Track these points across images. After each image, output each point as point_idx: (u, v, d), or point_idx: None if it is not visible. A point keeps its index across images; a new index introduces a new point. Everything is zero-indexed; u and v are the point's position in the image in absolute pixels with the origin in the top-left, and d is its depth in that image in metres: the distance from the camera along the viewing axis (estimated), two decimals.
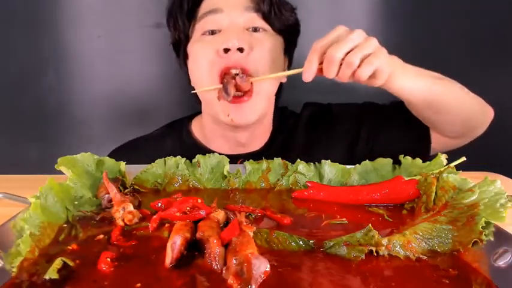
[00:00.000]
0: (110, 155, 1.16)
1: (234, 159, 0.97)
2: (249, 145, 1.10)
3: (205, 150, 1.07)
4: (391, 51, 1.54)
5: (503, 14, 1.47)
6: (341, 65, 0.77)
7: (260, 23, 0.99)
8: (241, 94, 0.95)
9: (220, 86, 0.93)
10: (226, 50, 0.93)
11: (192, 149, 1.12)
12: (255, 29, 0.99)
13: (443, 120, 0.97)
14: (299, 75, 0.85)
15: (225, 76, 0.94)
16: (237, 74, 0.93)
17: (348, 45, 0.77)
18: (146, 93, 1.53)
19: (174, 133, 1.19)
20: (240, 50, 0.93)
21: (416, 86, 0.89)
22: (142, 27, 1.47)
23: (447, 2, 1.46)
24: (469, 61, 1.48)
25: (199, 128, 1.17)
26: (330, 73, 0.78)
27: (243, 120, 0.98)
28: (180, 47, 1.09)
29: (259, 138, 1.12)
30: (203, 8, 1.01)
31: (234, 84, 0.92)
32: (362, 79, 0.78)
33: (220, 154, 0.98)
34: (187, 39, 1.05)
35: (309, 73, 0.79)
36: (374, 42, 0.79)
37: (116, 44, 1.49)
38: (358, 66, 0.76)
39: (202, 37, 1.00)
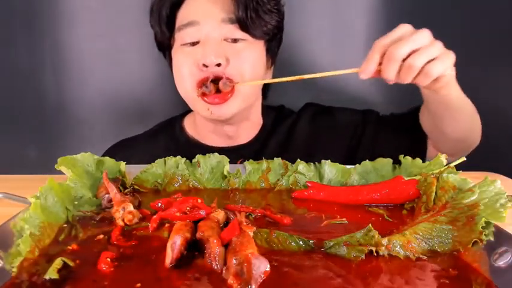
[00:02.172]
0: (106, 153, 1.19)
1: (224, 151, 0.99)
2: (237, 138, 1.15)
3: (197, 144, 1.16)
4: None
5: (504, 13, 1.46)
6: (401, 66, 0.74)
7: (239, 33, 0.99)
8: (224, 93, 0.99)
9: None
10: (205, 66, 0.96)
11: (185, 143, 1.18)
12: (234, 40, 0.99)
13: (446, 136, 0.97)
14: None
15: (204, 83, 0.97)
16: (220, 79, 0.96)
17: (411, 44, 0.73)
18: (146, 93, 1.53)
19: (167, 130, 1.23)
20: (218, 65, 0.95)
21: (461, 99, 0.89)
22: (142, 27, 1.47)
23: (447, 2, 1.46)
24: (469, 60, 1.48)
25: (191, 124, 1.21)
26: (390, 73, 0.74)
27: (221, 114, 1.01)
28: (164, 49, 1.12)
29: (247, 132, 1.16)
30: (181, 18, 1.02)
31: (216, 89, 0.97)
32: (423, 84, 0.76)
33: (211, 147, 1.09)
34: (168, 44, 1.08)
35: (367, 72, 0.76)
36: (440, 45, 0.75)
37: (116, 43, 1.49)
38: (420, 71, 0.74)
39: (182, 48, 1.02)
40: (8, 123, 1.52)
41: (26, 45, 1.46)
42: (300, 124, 1.19)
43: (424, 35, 0.74)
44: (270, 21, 1.01)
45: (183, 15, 1.02)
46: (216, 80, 0.97)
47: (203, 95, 0.98)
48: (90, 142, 1.53)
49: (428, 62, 0.74)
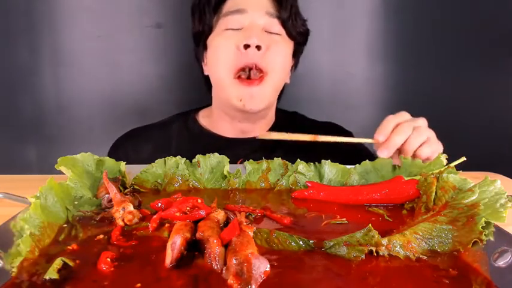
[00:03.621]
0: (118, 141, 1.24)
1: (236, 142, 1.15)
2: (251, 133, 1.22)
3: (209, 134, 1.23)
4: (391, 52, 1.55)
5: (503, 14, 1.46)
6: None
7: (277, 27, 1.10)
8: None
9: None
10: (246, 46, 1.03)
11: (198, 133, 1.25)
12: (272, 32, 1.09)
13: None
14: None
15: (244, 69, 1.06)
16: (251, 69, 1.05)
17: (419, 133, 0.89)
18: (146, 93, 1.53)
19: (180, 120, 1.28)
20: (258, 47, 1.03)
21: None
22: (142, 27, 1.47)
23: (447, 2, 1.46)
24: (468, 61, 1.48)
25: (206, 116, 1.28)
26: (400, 137, 0.87)
27: (254, 106, 1.08)
28: (201, 38, 1.18)
29: (260, 127, 1.23)
30: (228, 5, 1.11)
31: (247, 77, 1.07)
32: (409, 154, 0.89)
33: (224, 137, 1.19)
34: (210, 31, 1.14)
35: (383, 135, 0.89)
36: (433, 133, 0.91)
37: (116, 44, 1.49)
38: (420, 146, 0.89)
39: (225, 32, 1.09)
40: (8, 124, 1.52)
41: (25, 45, 1.47)
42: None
43: (424, 121, 0.92)
44: (301, 25, 1.14)
45: (231, 3, 1.11)
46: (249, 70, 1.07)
47: (239, 77, 1.06)
48: (89, 142, 1.53)
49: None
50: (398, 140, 0.88)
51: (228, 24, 1.09)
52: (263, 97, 1.09)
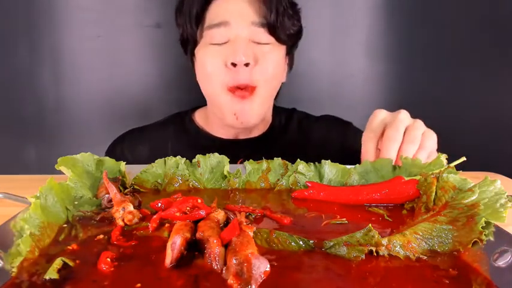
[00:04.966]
0: (115, 141, 1.25)
1: (233, 143, 1.15)
2: (247, 133, 1.21)
3: (206, 135, 1.23)
4: (390, 51, 1.55)
5: (504, 14, 1.46)
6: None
7: (265, 37, 1.04)
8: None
9: None
10: (234, 65, 1.00)
11: (195, 134, 1.24)
12: (261, 43, 1.04)
13: None
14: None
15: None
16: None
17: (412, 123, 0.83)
18: (145, 93, 1.53)
19: (176, 121, 1.28)
20: (246, 65, 1.00)
21: None
22: (142, 27, 1.47)
23: (447, 1, 1.46)
24: (469, 61, 1.48)
25: (202, 117, 1.27)
26: (395, 141, 0.80)
27: (250, 119, 1.06)
28: (187, 46, 1.14)
29: (257, 128, 1.22)
30: (211, 17, 1.05)
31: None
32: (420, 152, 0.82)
33: (220, 138, 1.18)
34: (194, 43, 1.10)
35: (370, 157, 0.84)
36: (421, 125, 0.84)
37: (116, 44, 1.49)
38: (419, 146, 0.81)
39: (210, 46, 1.05)
40: (8, 124, 1.52)
41: (25, 45, 1.47)
42: (315, 129, 1.26)
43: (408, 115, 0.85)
44: (292, 26, 1.07)
45: (213, 15, 1.05)
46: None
47: (231, 92, 1.03)
48: (90, 142, 1.53)
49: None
50: (394, 139, 0.81)
51: (212, 38, 1.04)
52: (256, 111, 1.07)
